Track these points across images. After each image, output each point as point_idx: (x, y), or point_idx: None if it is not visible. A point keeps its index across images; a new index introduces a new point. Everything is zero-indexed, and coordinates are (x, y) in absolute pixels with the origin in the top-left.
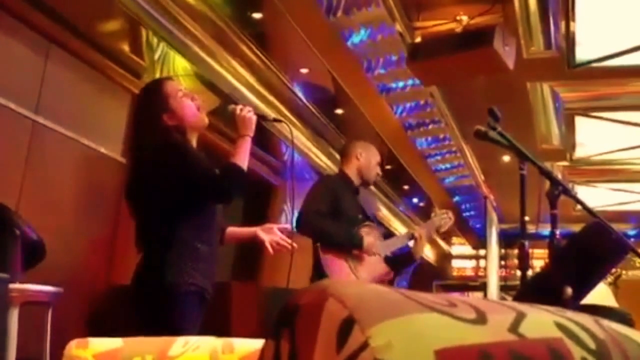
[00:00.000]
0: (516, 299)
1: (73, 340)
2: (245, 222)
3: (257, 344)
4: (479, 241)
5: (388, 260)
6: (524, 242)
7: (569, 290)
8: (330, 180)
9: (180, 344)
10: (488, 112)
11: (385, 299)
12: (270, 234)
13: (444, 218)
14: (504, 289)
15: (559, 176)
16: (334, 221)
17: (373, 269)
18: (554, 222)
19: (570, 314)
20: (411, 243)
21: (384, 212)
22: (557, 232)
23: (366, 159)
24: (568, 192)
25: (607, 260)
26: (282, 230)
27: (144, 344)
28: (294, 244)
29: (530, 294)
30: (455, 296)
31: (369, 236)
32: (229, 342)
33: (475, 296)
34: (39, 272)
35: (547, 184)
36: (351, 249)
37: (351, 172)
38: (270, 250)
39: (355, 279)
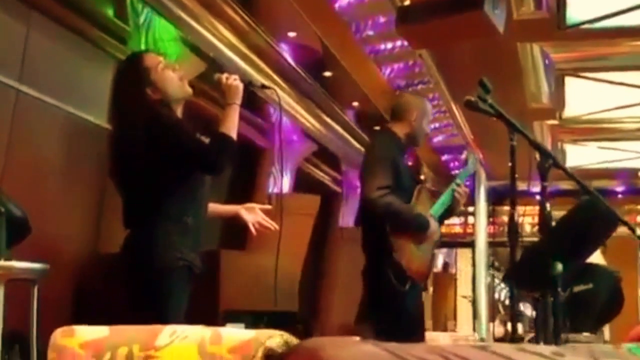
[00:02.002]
0: (506, 275)
1: (58, 329)
2: (232, 186)
3: (246, 334)
4: (468, 198)
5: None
6: (513, 213)
7: (559, 266)
8: (387, 149)
9: (168, 333)
10: (479, 83)
11: None
12: (253, 214)
13: (474, 163)
14: (492, 245)
15: (549, 135)
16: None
17: (432, 238)
18: (544, 195)
19: (568, 358)
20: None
21: None
22: (548, 206)
23: (419, 123)
24: (559, 165)
25: (598, 235)
26: (264, 211)
27: (131, 333)
28: (276, 225)
29: (521, 270)
30: (449, 349)
31: (423, 203)
32: (217, 332)
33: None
34: (24, 247)
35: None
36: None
37: (400, 132)
38: (254, 231)
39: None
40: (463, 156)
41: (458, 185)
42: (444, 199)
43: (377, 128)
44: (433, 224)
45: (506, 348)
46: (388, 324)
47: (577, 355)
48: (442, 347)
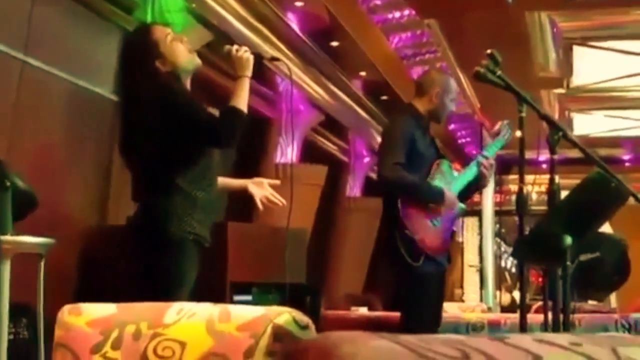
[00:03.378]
0: (515, 248)
1: (65, 307)
2: (239, 156)
3: (255, 311)
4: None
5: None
6: (522, 187)
7: (569, 239)
8: (403, 124)
9: (175, 311)
10: (488, 55)
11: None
12: (261, 189)
13: (508, 133)
14: (499, 214)
15: (556, 103)
16: (414, 174)
17: (450, 209)
18: (553, 168)
19: (586, 347)
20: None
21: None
22: (557, 177)
23: (441, 100)
24: (568, 137)
25: (608, 209)
26: (272, 186)
27: (138, 310)
28: (284, 201)
29: (529, 244)
30: (468, 342)
31: (444, 177)
32: (226, 310)
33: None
34: (30, 221)
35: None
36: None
37: (422, 108)
38: (260, 206)
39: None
40: (496, 127)
41: (486, 158)
42: (467, 173)
43: (385, 98)
44: (449, 195)
45: (524, 339)
46: (403, 297)
47: (596, 344)
48: (460, 339)
